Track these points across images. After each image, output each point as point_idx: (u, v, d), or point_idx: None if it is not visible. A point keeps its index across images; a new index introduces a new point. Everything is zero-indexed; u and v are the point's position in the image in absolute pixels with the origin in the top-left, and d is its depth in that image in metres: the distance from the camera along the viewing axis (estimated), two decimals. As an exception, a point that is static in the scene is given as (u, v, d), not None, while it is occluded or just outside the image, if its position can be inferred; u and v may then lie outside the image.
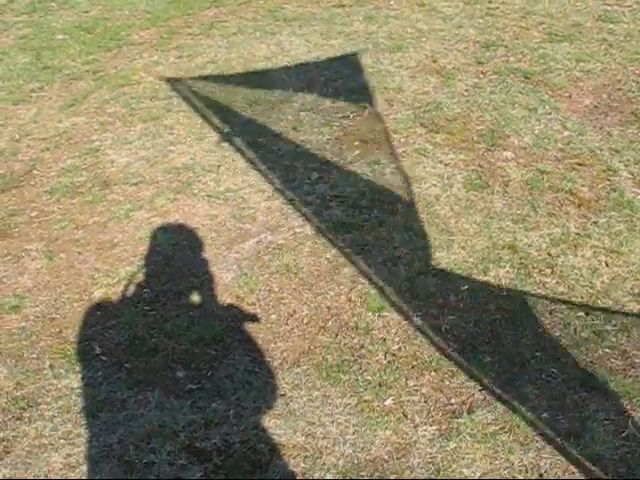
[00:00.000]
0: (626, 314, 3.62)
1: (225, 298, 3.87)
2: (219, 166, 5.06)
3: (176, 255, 4.23)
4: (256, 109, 5.80)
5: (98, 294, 3.96)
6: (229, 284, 3.97)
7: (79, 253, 4.30)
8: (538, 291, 3.79)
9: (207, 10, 8.27)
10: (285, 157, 5.13)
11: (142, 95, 6.18)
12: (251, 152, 5.20)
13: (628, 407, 3.11)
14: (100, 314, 3.83)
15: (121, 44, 7.36)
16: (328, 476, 2.89)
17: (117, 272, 4.10)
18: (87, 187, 4.92)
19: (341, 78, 6.25)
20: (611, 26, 7.27)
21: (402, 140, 5.25)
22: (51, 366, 3.50)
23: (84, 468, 2.97)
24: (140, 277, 4.07)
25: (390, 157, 5.04)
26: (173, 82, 6.30)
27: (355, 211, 4.49)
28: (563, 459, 2.92)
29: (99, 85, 6.42)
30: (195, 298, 3.90)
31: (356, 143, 5.24)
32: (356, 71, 6.37)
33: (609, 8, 7.81)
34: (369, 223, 4.37)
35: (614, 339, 3.48)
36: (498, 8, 7.88)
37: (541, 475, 2.85)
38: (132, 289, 3.98)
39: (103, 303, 3.89)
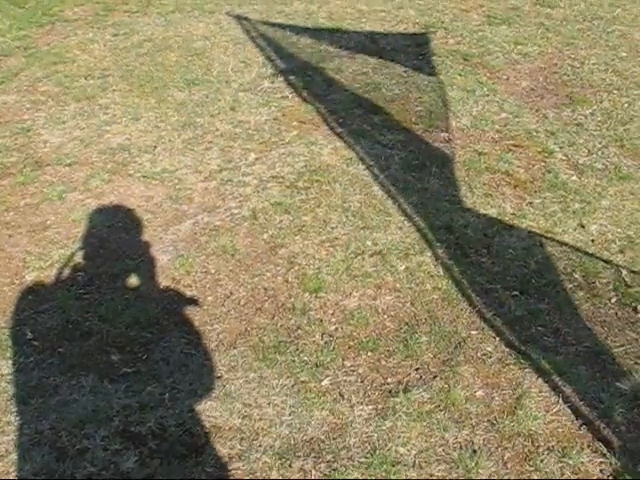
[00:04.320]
0: (559, 293, 3.68)
1: (161, 280, 3.82)
2: (155, 146, 4.98)
3: (111, 237, 4.14)
4: (193, 89, 5.72)
5: (30, 278, 3.85)
6: (165, 266, 3.91)
7: (10, 236, 4.17)
8: (474, 271, 3.83)
9: (144, -13, 8.10)
10: (223, 137, 5.07)
11: (76, 73, 6.03)
12: (188, 132, 5.13)
13: (559, 383, 3.17)
14: (32, 298, 3.72)
15: (54, 20, 7.16)
16: (264, 458, 2.87)
17: (50, 255, 4.00)
18: (18, 168, 4.78)
19: (281, 57, 6.21)
20: (548, 10, 7.38)
21: (340, 121, 5.24)
22: (-20, 352, 3.40)
23: (14, 457, 2.89)
24: (74, 260, 3.97)
25: (328, 138, 5.03)
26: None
27: (293, 192, 4.47)
28: (497, 435, 2.96)
29: (31, 62, 6.24)
30: (131, 281, 3.83)
31: (294, 124, 5.21)
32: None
33: (546, -8, 7.92)
34: (307, 204, 4.36)
35: (547, 318, 3.54)
36: (438, -10, 7.91)
37: (475, 451, 2.89)
38: (66, 272, 3.89)
39: (35, 287, 3.79)
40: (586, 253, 3.95)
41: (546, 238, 4.06)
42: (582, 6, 7.51)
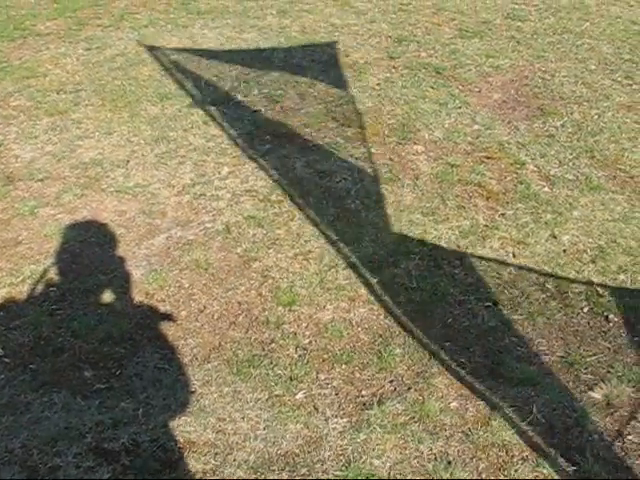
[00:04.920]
0: (532, 303, 3.71)
1: (134, 295, 3.79)
2: (128, 161, 4.96)
3: (84, 252, 4.11)
4: (165, 103, 5.72)
5: (1, 294, 3.80)
6: (138, 281, 3.89)
7: (-20, 252, 4.14)
8: (447, 282, 3.84)
9: (117, 1, 8.09)
10: (196, 151, 5.07)
11: (48, 88, 6.00)
12: (161, 146, 5.11)
13: (532, 393, 3.19)
14: (3, 314, 3.68)
15: (26, 34, 7.11)
16: (239, 472, 2.86)
17: (21, 271, 3.96)
18: (-11, 183, 4.75)
19: (253, 72, 6.22)
20: (519, 24, 7.47)
21: (313, 134, 5.25)
22: (-50, 370, 3.36)
23: (-17, 475, 2.85)
24: (46, 275, 3.93)
25: (301, 151, 5.04)
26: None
27: (266, 205, 4.48)
28: (471, 446, 2.97)
29: (2, 77, 6.18)
30: (104, 296, 3.80)
31: (267, 137, 5.22)
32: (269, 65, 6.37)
33: (517, 7, 8.02)
34: (280, 217, 4.36)
35: (520, 328, 3.56)
36: (411, 4, 8.00)
37: (449, 462, 2.90)
38: (38, 288, 3.85)
39: (6, 303, 3.75)
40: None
41: (518, 249, 4.09)
42: (552, 20, 7.61)
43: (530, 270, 3.94)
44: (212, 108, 5.63)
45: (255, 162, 4.93)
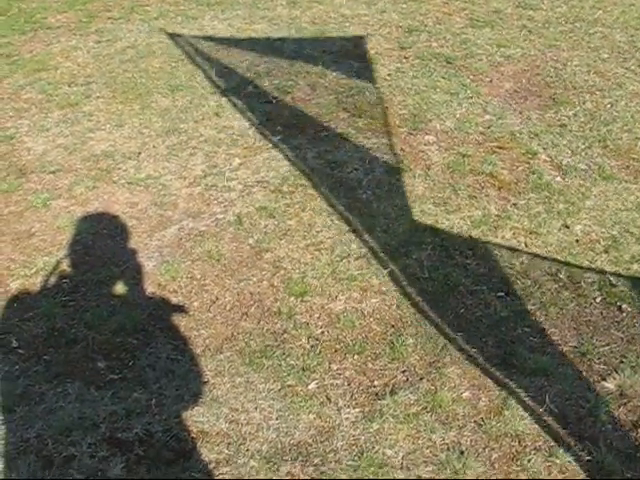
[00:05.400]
0: (544, 293, 3.70)
1: (147, 286, 3.81)
2: (139, 153, 4.97)
3: (96, 244, 4.13)
4: (176, 95, 5.72)
5: (15, 285, 3.83)
6: (151, 272, 3.90)
7: (-6, 244, 4.16)
8: (459, 272, 3.84)
9: (127, -7, 8.08)
10: (207, 143, 5.07)
11: (59, 81, 6.01)
12: (172, 138, 5.12)
13: (545, 383, 3.18)
14: (17, 306, 3.70)
15: (37, 27, 7.12)
16: (252, 462, 2.87)
17: (34, 263, 3.98)
18: (2, 176, 4.75)
19: (264, 63, 6.22)
20: (530, 13, 7.42)
21: (325, 125, 5.25)
22: (-36, 361, 3.38)
23: (0, 466, 2.87)
24: (59, 267, 3.95)
25: (312, 142, 5.03)
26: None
27: (277, 196, 4.48)
28: (484, 436, 2.97)
29: (13, 70, 6.20)
30: (116, 287, 3.81)
31: (278, 128, 5.22)
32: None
33: (528, -5, 7.97)
34: (291, 208, 4.37)
35: (533, 318, 3.55)
36: (421, -7, 7.95)
37: (462, 452, 2.90)
38: (51, 280, 3.87)
39: (20, 295, 3.77)
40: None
41: (530, 239, 4.08)
42: (564, 8, 7.55)
43: (543, 260, 3.92)
44: (223, 99, 5.63)
45: (266, 153, 4.93)
